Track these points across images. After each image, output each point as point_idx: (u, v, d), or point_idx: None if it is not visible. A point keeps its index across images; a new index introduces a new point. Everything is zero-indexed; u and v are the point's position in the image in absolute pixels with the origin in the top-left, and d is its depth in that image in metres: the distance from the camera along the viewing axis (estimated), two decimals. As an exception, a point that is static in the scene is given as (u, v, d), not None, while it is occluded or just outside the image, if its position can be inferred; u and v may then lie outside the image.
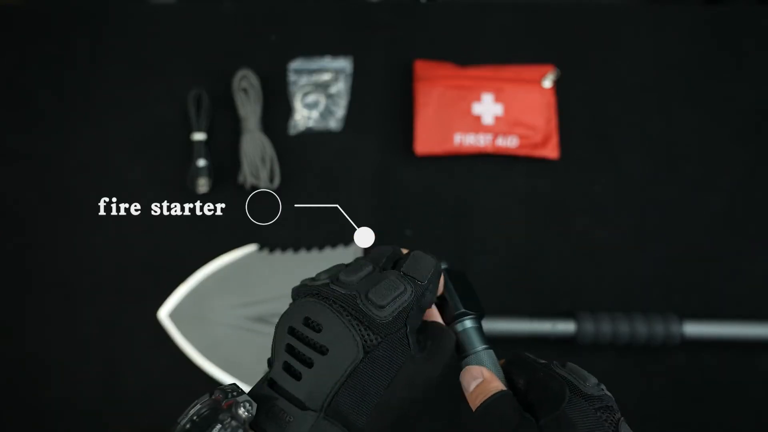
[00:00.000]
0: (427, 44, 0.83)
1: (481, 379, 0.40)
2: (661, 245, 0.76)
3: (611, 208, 0.77)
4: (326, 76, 0.80)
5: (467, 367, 0.41)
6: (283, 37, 0.83)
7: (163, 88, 0.81)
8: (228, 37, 0.83)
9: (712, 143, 0.79)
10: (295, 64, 0.81)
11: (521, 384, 0.40)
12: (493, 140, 0.77)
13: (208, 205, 0.76)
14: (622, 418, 0.37)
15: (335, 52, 0.82)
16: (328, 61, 0.81)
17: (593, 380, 0.39)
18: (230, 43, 0.82)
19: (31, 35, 0.82)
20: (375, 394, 0.36)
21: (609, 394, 0.38)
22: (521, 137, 0.77)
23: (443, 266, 0.44)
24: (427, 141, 0.77)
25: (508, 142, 0.77)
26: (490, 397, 0.39)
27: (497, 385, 0.40)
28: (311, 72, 0.80)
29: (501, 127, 0.77)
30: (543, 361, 0.41)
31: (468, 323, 0.43)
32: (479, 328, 0.44)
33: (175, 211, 0.76)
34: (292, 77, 0.80)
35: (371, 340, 0.37)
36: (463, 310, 0.43)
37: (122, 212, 0.76)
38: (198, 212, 0.76)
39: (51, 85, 0.81)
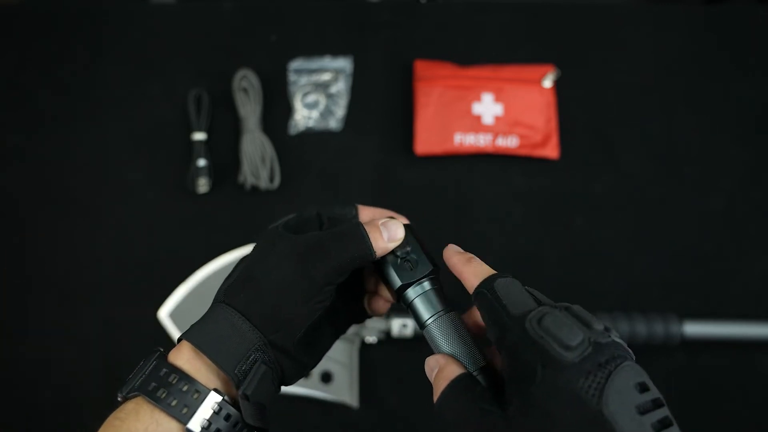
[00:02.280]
0: (427, 44, 0.83)
1: (437, 369, 0.37)
2: (661, 245, 0.76)
3: (611, 208, 0.77)
4: (326, 76, 0.80)
5: (426, 360, 0.38)
6: (283, 37, 0.83)
7: (163, 88, 0.81)
8: (228, 37, 0.83)
9: (712, 143, 0.79)
10: (295, 64, 0.81)
11: (494, 341, 0.34)
12: (493, 140, 0.77)
13: (208, 205, 0.76)
14: (622, 373, 0.29)
15: (335, 52, 0.82)
16: (328, 61, 0.81)
17: (585, 334, 0.30)
18: (230, 43, 0.82)
19: (31, 35, 0.82)
20: (245, 269, 0.39)
21: (615, 340, 0.30)
22: (521, 137, 0.77)
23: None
24: (427, 141, 0.77)
25: (508, 142, 0.77)
26: (442, 391, 0.35)
27: (452, 370, 0.35)
28: (311, 72, 0.80)
29: (501, 127, 0.77)
30: (521, 311, 0.32)
31: (420, 288, 0.40)
32: (433, 290, 0.40)
33: (175, 211, 0.76)
34: (292, 77, 0.80)
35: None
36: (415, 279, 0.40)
37: (122, 212, 0.76)
38: (198, 212, 0.76)
39: (51, 85, 0.81)
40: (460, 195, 0.77)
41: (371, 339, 0.69)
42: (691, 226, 0.76)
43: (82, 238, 0.75)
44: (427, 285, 0.40)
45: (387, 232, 0.39)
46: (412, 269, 0.40)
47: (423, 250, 0.41)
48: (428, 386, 0.73)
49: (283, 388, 0.68)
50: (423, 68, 0.79)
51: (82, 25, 0.83)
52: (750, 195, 0.77)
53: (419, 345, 0.70)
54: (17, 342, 0.72)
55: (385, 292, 0.44)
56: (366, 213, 0.44)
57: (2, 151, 0.78)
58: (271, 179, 0.75)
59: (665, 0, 0.87)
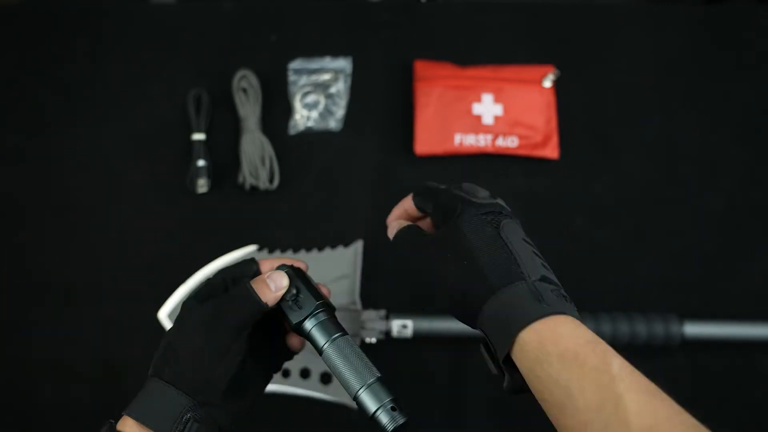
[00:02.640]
0: (427, 44, 0.83)
1: (395, 223, 0.49)
2: (661, 245, 0.76)
3: (611, 208, 0.77)
4: (326, 76, 0.80)
5: (390, 224, 0.50)
6: (283, 37, 0.83)
7: (163, 88, 0.81)
8: (228, 37, 0.83)
9: (712, 143, 0.79)
10: (295, 64, 0.81)
11: (431, 210, 0.47)
12: (493, 140, 0.77)
13: (208, 206, 0.76)
14: (510, 219, 0.43)
15: (335, 52, 0.82)
16: (327, 61, 0.81)
17: (484, 193, 0.45)
18: (230, 43, 0.82)
19: (31, 35, 0.82)
20: (167, 343, 0.45)
21: (499, 201, 0.45)
22: (521, 137, 0.77)
23: (284, 269, 0.49)
24: (427, 141, 0.77)
25: (508, 142, 0.77)
26: (397, 231, 0.47)
27: (402, 222, 0.48)
28: (311, 72, 0.80)
29: (501, 127, 0.77)
30: (443, 186, 0.47)
31: (312, 321, 0.47)
32: (324, 321, 0.47)
33: (175, 211, 0.76)
34: (291, 77, 0.80)
35: None
36: (316, 304, 0.47)
37: (122, 212, 0.76)
38: (197, 212, 0.76)
39: (51, 85, 0.81)
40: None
41: (371, 339, 0.68)
42: (691, 226, 0.76)
43: (82, 238, 0.75)
44: (319, 317, 0.47)
45: (273, 283, 0.46)
46: (301, 308, 0.47)
47: (309, 289, 0.47)
48: (428, 386, 0.73)
49: (285, 388, 0.68)
50: (423, 68, 0.79)
51: (82, 25, 0.83)
52: (750, 195, 0.77)
53: (419, 345, 0.70)
54: (18, 342, 0.72)
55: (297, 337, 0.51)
56: (265, 265, 0.50)
57: (2, 151, 0.78)
58: (271, 179, 0.75)
59: (665, 0, 0.87)
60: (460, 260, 0.41)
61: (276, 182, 0.75)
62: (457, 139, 0.76)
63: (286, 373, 0.68)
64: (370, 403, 0.43)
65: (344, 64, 0.81)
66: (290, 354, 0.53)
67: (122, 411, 0.43)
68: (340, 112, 0.79)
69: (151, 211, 0.76)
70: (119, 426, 0.42)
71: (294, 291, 0.47)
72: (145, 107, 0.80)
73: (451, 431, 0.69)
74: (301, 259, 0.52)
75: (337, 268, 0.72)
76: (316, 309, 0.47)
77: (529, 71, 0.79)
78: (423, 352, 0.71)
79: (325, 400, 0.68)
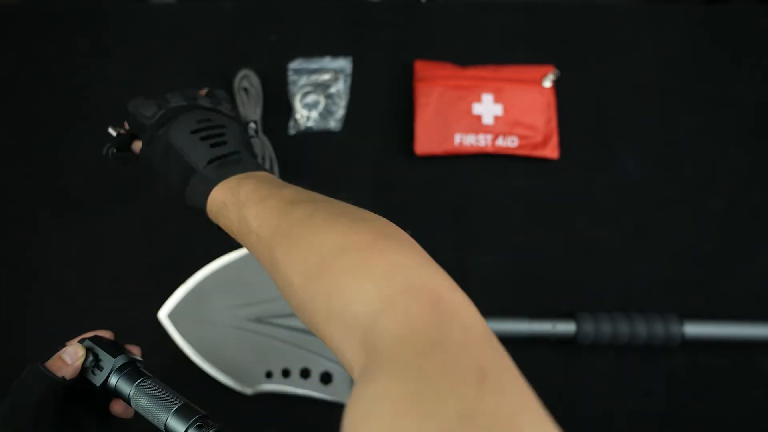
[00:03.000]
0: (427, 44, 0.83)
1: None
2: (661, 245, 0.76)
3: (611, 208, 0.77)
4: (326, 76, 0.80)
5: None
6: (283, 37, 0.83)
7: (163, 88, 0.80)
8: (228, 37, 0.83)
9: (712, 143, 0.79)
10: (295, 64, 0.81)
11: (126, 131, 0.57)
12: (493, 140, 0.77)
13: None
14: (186, 113, 0.55)
15: (335, 52, 0.82)
16: (327, 61, 0.81)
17: (151, 110, 0.56)
18: (230, 43, 0.82)
19: (31, 35, 0.82)
20: None
21: (183, 104, 0.56)
22: (521, 137, 0.77)
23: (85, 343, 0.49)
24: (427, 141, 0.77)
25: (508, 142, 0.77)
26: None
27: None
28: (311, 72, 0.80)
29: (501, 127, 0.77)
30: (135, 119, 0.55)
31: (114, 377, 0.47)
32: (124, 373, 0.47)
33: (175, 211, 0.76)
34: (291, 77, 0.80)
35: None
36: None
37: (122, 212, 0.76)
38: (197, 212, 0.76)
39: (51, 85, 0.80)
40: (460, 195, 0.77)
41: (371, 339, 0.68)
42: (691, 226, 0.76)
43: (81, 238, 0.75)
44: (120, 370, 0.47)
45: (68, 356, 0.46)
46: (102, 370, 0.47)
47: (107, 351, 0.48)
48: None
49: (285, 388, 0.68)
50: (423, 68, 0.79)
51: (82, 25, 0.83)
52: (750, 195, 0.77)
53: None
54: (17, 342, 0.72)
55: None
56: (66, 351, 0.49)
57: (2, 151, 0.78)
58: (271, 179, 0.75)
59: (665, 0, 0.87)
60: (162, 181, 0.52)
61: (276, 182, 0.75)
62: (457, 139, 0.76)
63: (286, 373, 0.68)
64: (178, 426, 0.44)
65: (344, 64, 0.81)
66: (121, 422, 0.51)
67: None
68: (340, 112, 0.79)
69: (150, 211, 0.76)
70: None
71: (91, 357, 0.48)
72: (145, 107, 0.80)
73: None
74: (104, 329, 0.52)
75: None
76: (115, 365, 0.47)
77: (529, 71, 0.79)
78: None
79: (325, 400, 0.68)
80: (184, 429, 0.44)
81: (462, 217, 0.76)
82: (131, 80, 0.81)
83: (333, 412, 0.68)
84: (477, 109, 0.77)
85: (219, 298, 0.72)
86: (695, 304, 0.73)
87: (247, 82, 0.77)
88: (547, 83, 0.78)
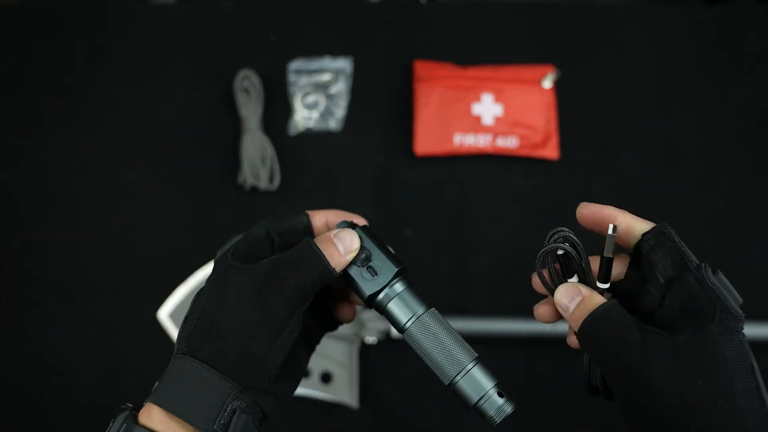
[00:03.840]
0: (427, 44, 0.83)
1: (581, 297, 0.36)
2: (661, 245, 0.75)
3: (611, 208, 0.77)
4: (326, 77, 0.80)
5: (558, 290, 0.37)
6: (283, 37, 0.83)
7: (163, 88, 0.81)
8: (228, 37, 0.83)
9: (712, 143, 0.79)
10: (295, 65, 0.81)
11: (660, 277, 0.35)
12: (493, 140, 0.77)
13: (208, 206, 0.76)
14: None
15: (335, 52, 0.82)
16: (328, 62, 0.81)
17: (739, 299, 0.36)
18: (230, 43, 0.82)
19: (31, 35, 0.82)
20: (203, 312, 0.36)
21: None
22: (521, 137, 0.77)
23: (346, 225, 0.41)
24: (427, 141, 0.77)
25: (508, 143, 0.77)
26: (595, 310, 0.34)
27: (601, 299, 0.35)
28: (311, 72, 0.80)
29: (501, 127, 0.77)
30: (694, 260, 0.35)
31: (390, 293, 0.39)
32: (405, 292, 0.39)
33: (175, 211, 0.76)
34: (292, 78, 0.80)
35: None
36: (395, 271, 0.39)
37: (122, 212, 0.76)
38: (198, 212, 0.76)
39: (51, 85, 0.81)
40: (460, 195, 0.77)
41: (371, 339, 0.69)
42: (691, 226, 0.76)
43: (82, 238, 0.75)
44: (397, 288, 0.39)
45: (342, 244, 0.38)
46: (376, 275, 0.39)
47: (383, 252, 0.40)
48: (428, 386, 0.73)
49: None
50: (423, 68, 0.79)
51: (82, 25, 0.83)
52: (750, 195, 0.77)
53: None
54: (17, 342, 0.72)
55: (355, 298, 0.43)
56: (318, 218, 0.43)
57: (2, 151, 0.78)
58: (271, 180, 0.75)
59: (665, 0, 0.87)
60: (712, 388, 0.32)
61: (276, 182, 0.75)
62: (457, 139, 0.76)
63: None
64: (472, 392, 0.37)
65: (344, 64, 0.81)
66: (336, 325, 0.45)
67: (145, 399, 0.36)
68: (340, 112, 0.79)
69: (150, 211, 0.76)
70: (142, 418, 0.35)
71: (364, 255, 0.39)
72: (145, 107, 0.80)
73: None
74: (358, 215, 0.43)
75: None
76: (394, 277, 0.39)
77: (529, 71, 0.79)
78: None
79: (325, 400, 0.68)
80: (478, 397, 0.37)
81: (462, 217, 0.76)
82: (131, 80, 0.81)
83: (333, 412, 0.68)
84: (477, 109, 0.77)
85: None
86: (695, 304, 0.73)
87: (248, 82, 0.77)
88: (547, 83, 0.78)
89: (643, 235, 0.38)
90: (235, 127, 0.78)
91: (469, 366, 0.37)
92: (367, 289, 0.39)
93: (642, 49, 0.83)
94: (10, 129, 0.79)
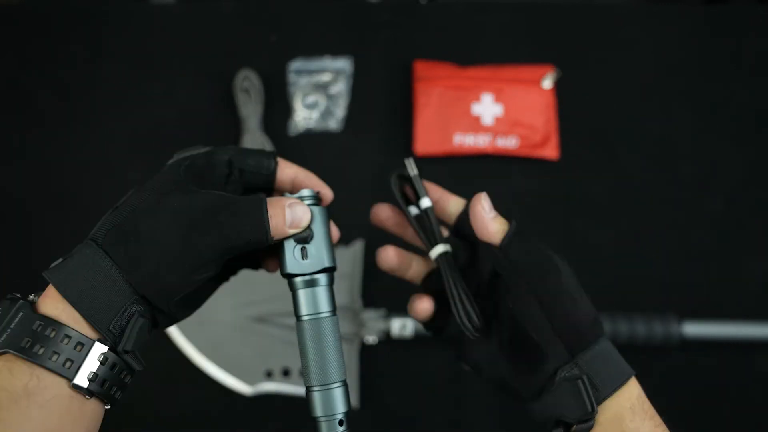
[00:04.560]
0: (427, 44, 0.83)
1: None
2: (660, 245, 0.76)
3: (611, 208, 0.77)
4: (326, 77, 0.80)
5: (477, 196, 0.43)
6: (283, 37, 0.83)
7: (163, 88, 0.81)
8: (228, 37, 0.83)
9: (712, 143, 0.79)
10: (295, 65, 0.81)
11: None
12: (493, 140, 0.77)
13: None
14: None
15: (335, 52, 0.82)
16: (328, 62, 0.81)
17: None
18: (230, 43, 0.82)
19: (31, 35, 0.82)
20: (132, 213, 0.36)
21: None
22: (521, 138, 0.77)
23: (308, 197, 0.40)
24: (426, 141, 0.77)
25: (508, 143, 0.77)
26: (514, 226, 0.42)
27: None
28: (311, 72, 0.80)
29: (501, 127, 0.77)
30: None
31: (308, 281, 0.38)
32: (321, 288, 0.39)
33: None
34: (292, 78, 0.80)
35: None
36: (327, 266, 0.38)
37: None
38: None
39: (51, 85, 0.81)
40: (459, 195, 0.77)
41: (371, 339, 0.69)
42: (690, 226, 0.76)
43: (81, 238, 0.75)
44: (317, 280, 0.38)
45: (291, 215, 0.37)
46: (305, 258, 0.38)
47: (324, 242, 0.39)
48: (427, 386, 0.73)
49: (283, 388, 0.68)
50: (423, 68, 0.79)
51: (82, 25, 0.83)
52: (750, 195, 0.77)
53: (419, 345, 0.70)
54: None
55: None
56: (287, 172, 0.42)
57: (2, 151, 0.78)
58: (271, 179, 0.75)
59: (665, 0, 0.87)
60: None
61: (276, 182, 0.75)
62: (457, 139, 0.76)
63: (287, 373, 0.68)
64: (320, 407, 0.38)
65: (344, 64, 0.81)
66: (256, 267, 0.45)
67: (44, 273, 0.35)
68: (340, 112, 0.79)
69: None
70: (42, 305, 0.34)
71: (306, 234, 0.38)
72: (145, 107, 0.80)
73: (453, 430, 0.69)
74: (328, 186, 0.43)
75: (337, 268, 0.72)
76: (319, 271, 0.38)
77: (529, 71, 0.79)
78: (423, 352, 0.71)
79: (325, 400, 0.68)
80: (321, 414, 0.37)
81: (462, 217, 0.76)
82: (131, 80, 0.81)
83: (333, 411, 0.68)
84: (476, 109, 0.77)
85: (219, 297, 0.72)
86: (694, 304, 0.73)
87: (249, 82, 0.77)
88: (547, 84, 0.78)
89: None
90: (235, 127, 0.78)
91: (334, 384, 0.38)
92: (291, 267, 0.38)
93: (642, 49, 0.83)
94: (11, 129, 0.79)
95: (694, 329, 0.69)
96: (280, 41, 0.82)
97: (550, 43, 0.83)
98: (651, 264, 0.75)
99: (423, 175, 0.78)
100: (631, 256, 0.75)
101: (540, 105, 0.77)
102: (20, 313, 0.33)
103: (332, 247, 0.40)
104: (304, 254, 0.38)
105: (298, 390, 0.68)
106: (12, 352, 0.32)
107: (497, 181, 0.78)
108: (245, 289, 0.72)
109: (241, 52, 0.82)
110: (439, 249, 0.43)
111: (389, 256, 0.46)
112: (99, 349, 0.33)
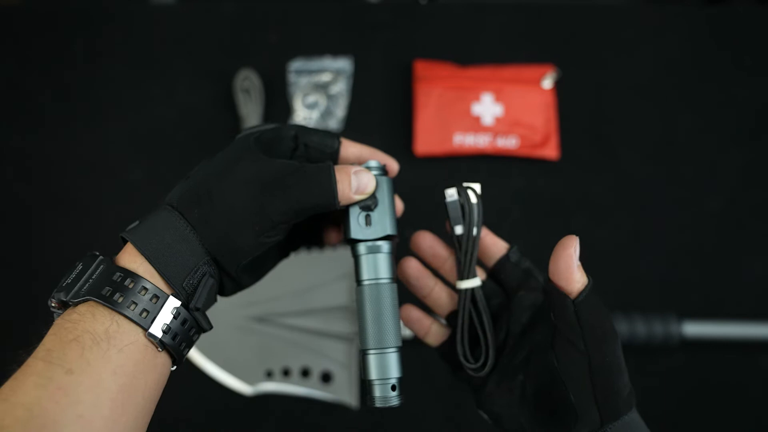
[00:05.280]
0: (427, 44, 0.83)
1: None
2: (660, 245, 0.76)
3: (611, 208, 0.77)
4: (326, 77, 0.80)
5: (565, 242, 0.41)
6: (283, 37, 0.83)
7: (163, 88, 0.81)
8: (228, 37, 0.83)
9: (712, 143, 0.79)
10: (296, 65, 0.81)
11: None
12: (493, 141, 0.77)
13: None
14: None
15: (335, 52, 0.82)
16: (328, 62, 0.81)
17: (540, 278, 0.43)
18: (230, 43, 0.82)
19: (31, 35, 0.82)
20: (204, 178, 0.37)
21: None
22: (521, 137, 0.77)
23: (374, 167, 0.41)
24: (426, 141, 0.77)
25: (508, 143, 0.77)
26: (590, 284, 0.39)
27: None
28: (311, 72, 0.80)
29: (501, 127, 0.77)
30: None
31: (370, 248, 0.40)
32: (383, 255, 0.40)
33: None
34: (292, 78, 0.80)
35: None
36: (388, 233, 0.40)
37: (122, 212, 0.76)
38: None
39: (51, 85, 0.81)
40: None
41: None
42: (690, 226, 0.76)
43: (82, 238, 0.75)
44: (379, 247, 0.39)
45: (357, 182, 0.39)
46: (369, 225, 0.39)
47: (388, 209, 0.40)
48: (427, 386, 0.73)
49: (283, 388, 0.68)
50: (423, 68, 0.79)
51: (82, 26, 0.83)
52: (749, 195, 0.77)
53: (419, 345, 0.70)
54: (18, 342, 0.72)
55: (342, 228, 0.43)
56: (351, 150, 0.43)
57: (3, 151, 0.78)
58: (271, 179, 0.75)
59: (665, 0, 0.87)
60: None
61: (276, 182, 0.75)
62: (457, 139, 0.76)
63: (287, 373, 0.68)
64: (375, 370, 0.39)
65: (344, 64, 0.81)
66: (319, 243, 0.46)
67: (122, 234, 0.37)
68: (340, 112, 0.79)
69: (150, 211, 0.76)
70: (121, 259, 0.36)
71: (370, 201, 0.39)
72: (145, 107, 0.80)
73: (453, 428, 0.69)
74: (393, 158, 0.44)
75: (337, 268, 0.72)
76: (382, 238, 0.39)
77: (529, 71, 0.79)
78: (423, 352, 0.71)
79: (325, 400, 0.68)
80: (375, 377, 0.38)
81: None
82: (131, 80, 0.81)
83: (333, 412, 0.68)
84: (476, 109, 0.77)
85: (220, 297, 0.72)
86: (695, 303, 0.73)
87: (249, 82, 0.77)
88: (547, 84, 0.78)
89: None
90: (235, 127, 0.78)
91: (389, 349, 0.39)
92: (355, 233, 0.39)
93: (642, 50, 0.83)
94: (11, 129, 0.79)
95: (694, 329, 0.69)
96: (280, 41, 0.82)
97: (550, 43, 0.83)
98: (651, 264, 0.75)
99: (423, 175, 0.78)
100: (631, 256, 0.75)
101: (540, 105, 0.77)
102: (101, 266, 0.36)
103: (395, 216, 0.41)
104: (367, 221, 0.39)
105: (298, 390, 0.68)
106: (94, 299, 0.34)
107: (497, 181, 0.78)
108: (245, 290, 0.72)
109: (241, 52, 0.82)
110: (476, 282, 0.42)
111: (412, 267, 0.46)
112: (172, 303, 0.35)
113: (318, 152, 0.42)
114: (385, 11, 0.84)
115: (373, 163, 0.41)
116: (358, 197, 0.39)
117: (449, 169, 0.78)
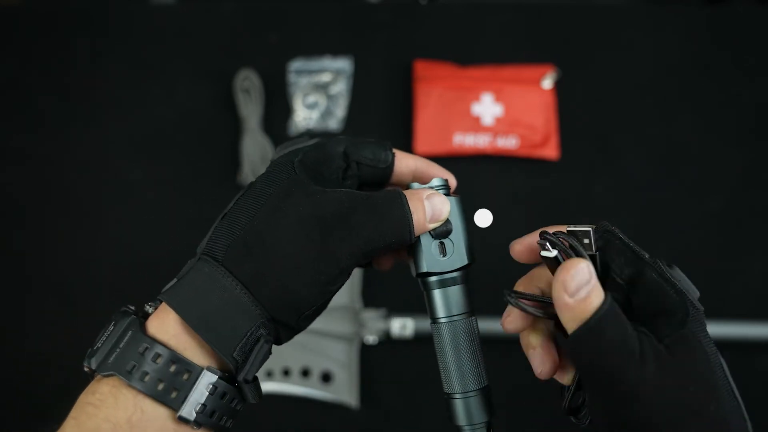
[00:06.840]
0: (427, 44, 0.83)
1: (590, 287, 0.28)
2: (660, 245, 0.76)
3: (611, 208, 0.77)
4: (326, 77, 0.80)
5: (571, 264, 0.28)
6: (283, 37, 0.83)
7: (163, 88, 0.81)
8: (228, 37, 0.83)
9: (712, 144, 0.79)
10: (296, 65, 0.81)
11: (621, 279, 0.31)
12: (493, 141, 0.77)
13: (208, 205, 0.76)
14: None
15: (335, 52, 0.82)
16: (328, 62, 0.81)
17: (697, 292, 0.32)
18: (230, 43, 0.82)
19: (31, 35, 0.82)
20: (252, 221, 0.31)
21: None
22: (521, 137, 0.77)
23: (439, 184, 0.35)
24: (427, 141, 0.77)
25: (508, 143, 0.77)
26: (598, 310, 0.28)
27: (600, 294, 0.28)
28: (311, 72, 0.80)
29: (501, 127, 0.77)
30: (645, 254, 0.32)
31: (447, 281, 0.35)
32: (458, 288, 0.36)
33: (175, 211, 0.76)
34: (292, 78, 0.80)
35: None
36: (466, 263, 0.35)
37: (122, 212, 0.76)
38: (198, 212, 0.76)
39: (51, 85, 0.81)
40: (459, 195, 0.77)
41: (371, 339, 0.69)
42: (690, 226, 0.76)
43: (82, 238, 0.75)
44: (454, 278, 0.35)
45: (431, 209, 0.33)
46: (443, 255, 0.35)
47: (463, 235, 0.36)
48: (427, 386, 0.73)
49: (283, 388, 0.67)
50: (423, 68, 0.79)
51: (82, 26, 0.83)
52: (749, 195, 0.77)
53: (419, 345, 0.70)
54: (17, 342, 0.72)
55: (403, 255, 0.37)
56: (405, 163, 0.37)
57: (3, 151, 0.78)
58: (271, 179, 0.75)
59: (665, 0, 0.87)
60: (704, 392, 0.31)
61: (276, 182, 0.75)
62: (457, 139, 0.76)
63: (287, 373, 0.68)
64: (462, 415, 0.35)
65: (344, 64, 0.81)
66: (369, 266, 0.39)
67: (159, 297, 0.32)
68: (340, 112, 0.79)
69: (151, 211, 0.76)
70: (153, 327, 0.31)
71: (444, 228, 0.35)
72: (145, 107, 0.80)
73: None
74: (450, 172, 0.38)
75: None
76: (460, 269, 0.35)
77: (529, 71, 0.79)
78: (423, 352, 0.70)
79: (325, 400, 0.68)
80: (464, 423, 0.35)
81: (462, 217, 0.76)
82: (131, 80, 0.81)
83: (333, 412, 0.68)
84: (476, 109, 0.77)
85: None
86: (695, 304, 0.73)
87: (249, 82, 0.77)
88: (547, 84, 0.78)
89: (597, 233, 0.34)
90: (235, 127, 0.78)
91: (472, 393, 0.35)
92: (428, 265, 0.34)
93: (642, 50, 0.83)
94: (11, 129, 0.79)
95: (694, 329, 0.69)
96: (280, 41, 0.82)
97: (550, 43, 0.83)
98: (651, 264, 0.75)
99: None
100: (631, 256, 0.75)
101: (540, 105, 0.77)
102: (129, 332, 0.31)
103: (469, 239, 0.36)
104: (442, 250, 0.35)
105: (298, 390, 0.68)
106: (118, 375, 0.30)
107: (497, 181, 0.77)
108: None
109: (241, 52, 0.82)
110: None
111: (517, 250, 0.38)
112: (208, 378, 0.30)
113: (371, 170, 0.36)
114: (385, 11, 0.84)
115: (437, 182, 0.37)
116: (432, 226, 0.34)
117: (449, 170, 0.77)
